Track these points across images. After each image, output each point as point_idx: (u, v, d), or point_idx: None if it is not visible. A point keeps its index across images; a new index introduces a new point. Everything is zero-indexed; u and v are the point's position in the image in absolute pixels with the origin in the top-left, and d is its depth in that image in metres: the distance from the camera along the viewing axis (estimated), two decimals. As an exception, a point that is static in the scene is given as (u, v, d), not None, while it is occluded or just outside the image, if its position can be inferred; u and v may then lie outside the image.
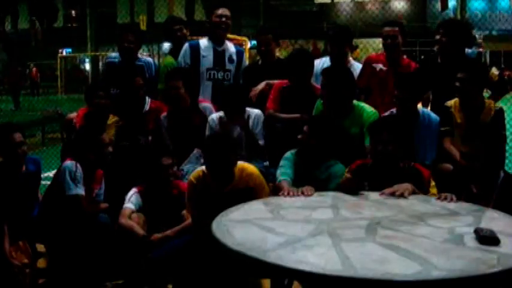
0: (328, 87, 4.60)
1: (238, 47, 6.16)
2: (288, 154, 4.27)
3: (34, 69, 32.23)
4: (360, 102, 4.77)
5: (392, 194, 3.58)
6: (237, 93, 4.99)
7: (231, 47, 5.81)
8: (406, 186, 3.64)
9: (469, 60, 5.79)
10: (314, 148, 4.12)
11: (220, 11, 5.54)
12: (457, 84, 4.64)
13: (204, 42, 5.64)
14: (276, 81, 5.19)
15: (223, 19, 5.54)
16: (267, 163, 4.94)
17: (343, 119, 4.63)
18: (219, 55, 5.60)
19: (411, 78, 4.82)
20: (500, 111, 4.77)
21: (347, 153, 4.24)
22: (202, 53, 5.54)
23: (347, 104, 4.65)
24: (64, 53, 33.09)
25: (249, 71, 5.68)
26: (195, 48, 5.56)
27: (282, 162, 4.23)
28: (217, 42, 5.62)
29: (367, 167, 3.93)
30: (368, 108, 4.67)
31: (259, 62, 5.80)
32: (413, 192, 3.62)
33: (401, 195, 3.56)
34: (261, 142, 4.96)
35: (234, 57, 5.70)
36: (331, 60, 5.39)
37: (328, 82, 4.60)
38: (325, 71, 4.74)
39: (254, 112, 5.02)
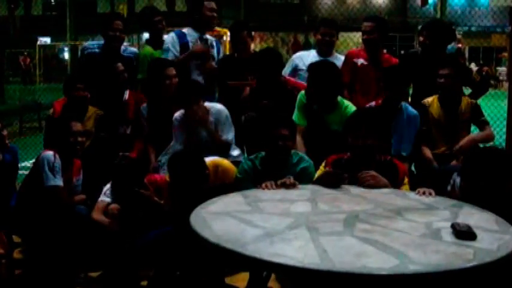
0: (314, 81, 4.61)
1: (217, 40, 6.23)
2: (241, 171, 4.15)
3: (27, 58, 31.48)
4: (345, 100, 4.78)
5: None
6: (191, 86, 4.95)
7: (211, 37, 5.90)
8: (380, 179, 3.67)
9: (450, 57, 5.87)
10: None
11: (211, 5, 5.56)
12: (441, 80, 4.73)
13: (187, 30, 5.62)
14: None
15: (214, 13, 5.59)
16: (236, 152, 4.92)
17: (326, 114, 4.65)
18: (204, 42, 5.63)
19: (397, 71, 4.89)
20: (477, 106, 4.92)
21: (327, 149, 4.23)
22: (189, 38, 5.54)
23: (332, 99, 4.65)
24: (42, 42, 32.75)
25: (225, 62, 5.68)
26: (182, 35, 5.55)
27: (237, 184, 4.04)
28: (202, 31, 5.64)
29: (343, 161, 3.92)
30: (352, 107, 4.68)
31: (235, 54, 5.81)
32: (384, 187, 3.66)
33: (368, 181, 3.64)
34: (225, 137, 4.86)
35: (214, 44, 5.78)
36: (318, 49, 5.43)
37: (314, 77, 4.61)
38: (311, 66, 4.75)
39: (215, 107, 4.93)
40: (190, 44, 5.48)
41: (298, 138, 4.61)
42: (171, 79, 4.99)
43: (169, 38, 5.56)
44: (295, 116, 4.74)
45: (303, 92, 4.80)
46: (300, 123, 4.69)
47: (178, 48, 5.48)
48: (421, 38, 5.29)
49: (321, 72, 4.62)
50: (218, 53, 5.83)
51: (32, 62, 31.54)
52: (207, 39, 5.66)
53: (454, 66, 4.81)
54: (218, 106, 4.95)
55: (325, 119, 4.65)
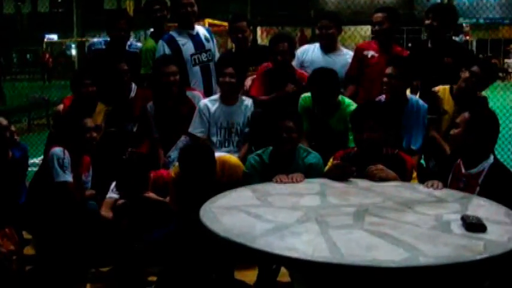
0: (315, 87, 4.60)
1: (205, 26, 6.10)
2: (249, 166, 4.13)
3: (46, 53, 31.31)
4: (346, 99, 4.76)
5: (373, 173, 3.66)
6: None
7: (200, 28, 5.73)
8: (389, 173, 3.67)
9: (459, 45, 5.81)
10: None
11: (184, 1, 5.42)
12: (463, 84, 4.67)
13: (175, 32, 5.52)
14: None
15: (189, 8, 5.42)
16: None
17: (329, 116, 4.64)
18: (196, 38, 5.52)
19: (404, 60, 4.86)
20: (483, 99, 4.84)
21: (332, 150, 4.21)
22: (180, 41, 5.43)
23: (332, 101, 4.64)
24: (48, 39, 32.80)
25: (224, 59, 5.57)
26: (171, 40, 5.42)
27: (245, 179, 4.04)
28: (188, 28, 5.52)
29: (350, 155, 3.92)
30: (353, 105, 4.66)
31: (233, 50, 5.76)
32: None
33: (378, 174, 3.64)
34: (246, 130, 4.95)
35: (208, 35, 5.66)
36: (321, 44, 5.43)
37: (315, 82, 4.60)
38: (311, 77, 4.73)
39: (247, 100, 5.03)
40: (182, 48, 5.38)
41: (303, 141, 4.56)
42: (172, 76, 4.94)
43: (159, 46, 5.43)
44: None
45: (303, 96, 4.77)
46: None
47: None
48: (427, 21, 5.22)
49: (320, 77, 4.60)
50: (213, 41, 5.74)
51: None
52: (197, 33, 5.54)
53: (457, 59, 4.75)
54: (249, 99, 5.05)
55: (330, 122, 4.64)
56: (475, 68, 4.62)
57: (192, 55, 5.44)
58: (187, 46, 5.44)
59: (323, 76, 4.63)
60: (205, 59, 5.51)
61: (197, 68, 5.46)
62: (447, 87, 4.82)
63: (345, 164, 3.73)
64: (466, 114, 3.64)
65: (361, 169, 3.71)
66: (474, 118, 3.60)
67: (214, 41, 5.84)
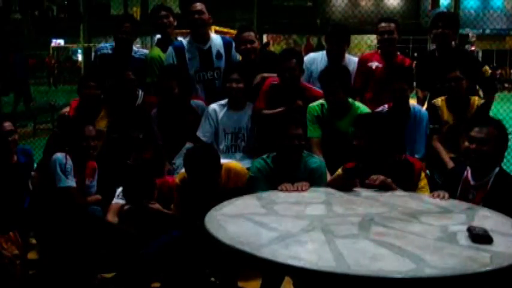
0: (327, 89, 4.59)
1: (226, 37, 5.80)
2: (255, 169, 4.11)
3: (51, 58, 31.12)
4: (356, 102, 4.76)
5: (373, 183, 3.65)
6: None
7: (217, 41, 5.45)
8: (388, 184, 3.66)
9: (466, 53, 5.84)
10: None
11: (191, 8, 5.25)
12: (452, 84, 4.71)
13: (187, 41, 5.38)
14: (270, 75, 5.09)
15: (196, 16, 5.24)
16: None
17: (340, 119, 4.63)
18: (206, 55, 5.34)
19: (409, 71, 4.95)
20: (482, 106, 4.87)
21: (343, 153, 4.20)
22: (188, 55, 5.30)
23: (344, 103, 4.64)
24: (55, 43, 32.82)
25: (228, 68, 5.29)
26: (180, 51, 5.31)
27: (251, 183, 4.05)
28: (200, 40, 5.35)
29: (360, 167, 3.91)
30: (364, 108, 4.67)
31: (241, 60, 5.51)
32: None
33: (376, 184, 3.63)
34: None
35: (222, 51, 5.40)
36: (329, 57, 5.34)
37: (327, 85, 4.59)
38: (322, 75, 4.70)
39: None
40: (188, 62, 5.26)
41: (315, 150, 4.56)
42: (170, 90, 4.89)
43: (167, 53, 5.35)
44: (308, 131, 4.65)
45: (310, 105, 4.75)
46: (315, 135, 4.63)
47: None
48: (436, 30, 5.23)
49: (331, 79, 4.59)
50: (229, 56, 5.44)
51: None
52: (208, 48, 5.35)
53: (463, 68, 4.78)
54: None
55: (340, 125, 4.63)
56: (453, 74, 4.74)
57: (196, 72, 5.30)
58: (193, 62, 5.30)
59: (335, 70, 4.69)
60: (211, 77, 5.34)
61: (200, 86, 5.34)
62: (444, 97, 4.86)
63: (348, 175, 3.72)
64: (493, 130, 3.57)
65: (366, 179, 3.71)
66: (500, 132, 3.59)
67: (234, 53, 5.47)
